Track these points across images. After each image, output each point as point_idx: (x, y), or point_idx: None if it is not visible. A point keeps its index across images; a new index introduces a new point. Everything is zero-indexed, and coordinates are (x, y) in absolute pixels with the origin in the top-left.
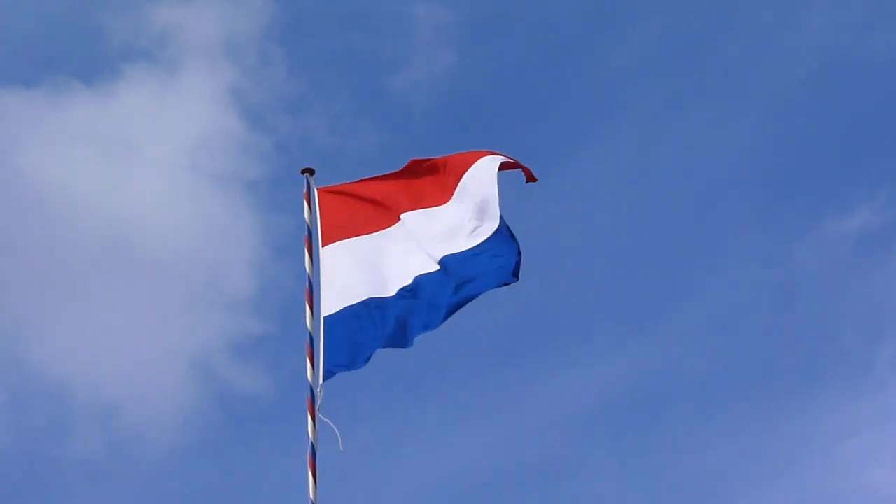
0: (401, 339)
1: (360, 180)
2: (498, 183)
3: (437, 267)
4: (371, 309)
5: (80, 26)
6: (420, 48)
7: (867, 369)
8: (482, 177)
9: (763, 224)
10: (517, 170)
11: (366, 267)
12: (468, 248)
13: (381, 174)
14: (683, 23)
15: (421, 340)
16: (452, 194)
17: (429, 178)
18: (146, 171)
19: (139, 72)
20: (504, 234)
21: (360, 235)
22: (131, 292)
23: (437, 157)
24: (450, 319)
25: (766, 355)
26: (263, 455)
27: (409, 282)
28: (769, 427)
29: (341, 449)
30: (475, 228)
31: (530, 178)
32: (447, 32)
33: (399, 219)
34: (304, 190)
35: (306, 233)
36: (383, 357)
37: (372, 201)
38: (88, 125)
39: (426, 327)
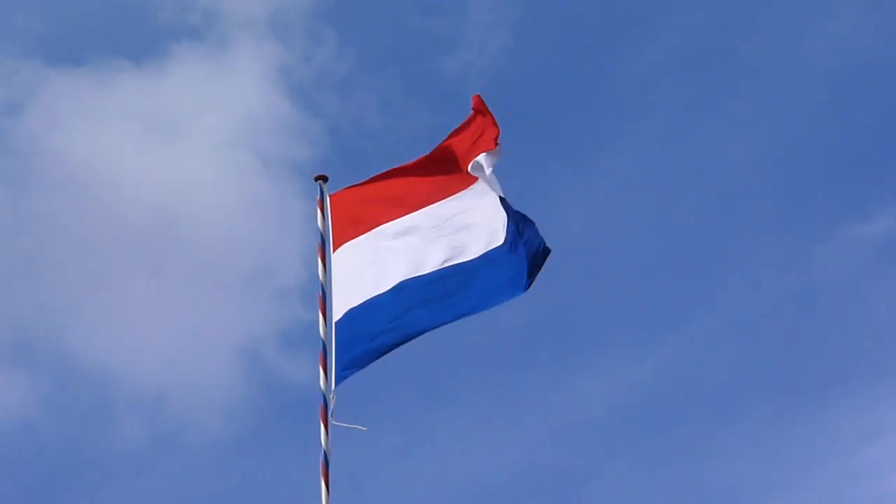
0: (405, 334)
1: (371, 178)
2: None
3: (446, 263)
4: (375, 307)
5: (127, 3)
6: (474, 28)
7: (888, 375)
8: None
9: (784, 228)
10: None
11: (370, 264)
12: (477, 255)
13: (394, 168)
14: (705, 26)
15: (438, 344)
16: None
17: (445, 167)
18: (193, 152)
19: (187, 50)
20: (513, 242)
21: (365, 232)
22: (176, 277)
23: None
24: (467, 322)
25: (787, 360)
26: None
27: (411, 275)
28: (789, 433)
29: (364, 429)
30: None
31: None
32: (502, 12)
33: (411, 209)
34: (318, 197)
35: (319, 241)
36: (400, 361)
37: (381, 196)
38: (135, 104)
39: (430, 322)
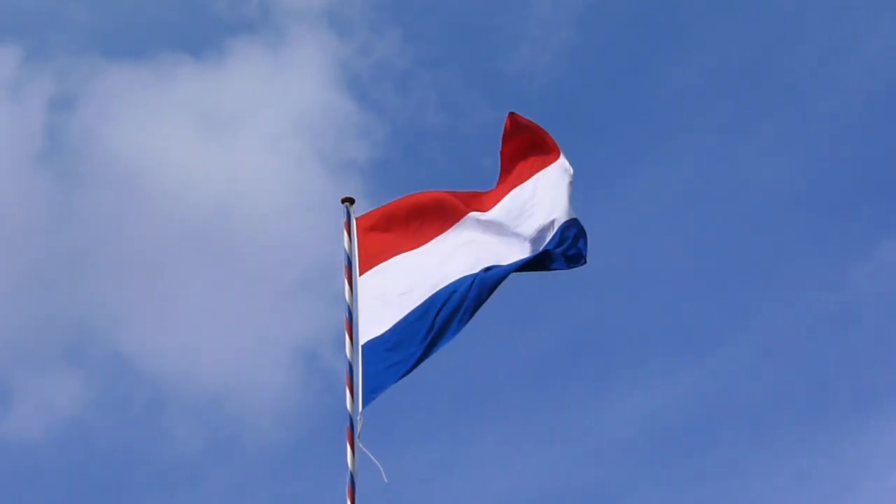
0: (437, 343)
1: (397, 200)
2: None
3: (476, 270)
4: (405, 327)
5: None
6: (537, 25)
7: None
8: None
9: (820, 248)
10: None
11: (398, 288)
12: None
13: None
14: (742, 44)
15: (471, 363)
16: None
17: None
18: (249, 148)
19: (245, 44)
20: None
21: (394, 257)
22: (232, 276)
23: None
24: (501, 341)
25: (822, 380)
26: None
27: (442, 285)
28: (824, 453)
29: (385, 480)
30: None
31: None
32: (566, 9)
33: (439, 233)
34: (344, 220)
35: (345, 262)
36: (432, 381)
37: (408, 220)
38: (193, 99)
39: (459, 324)
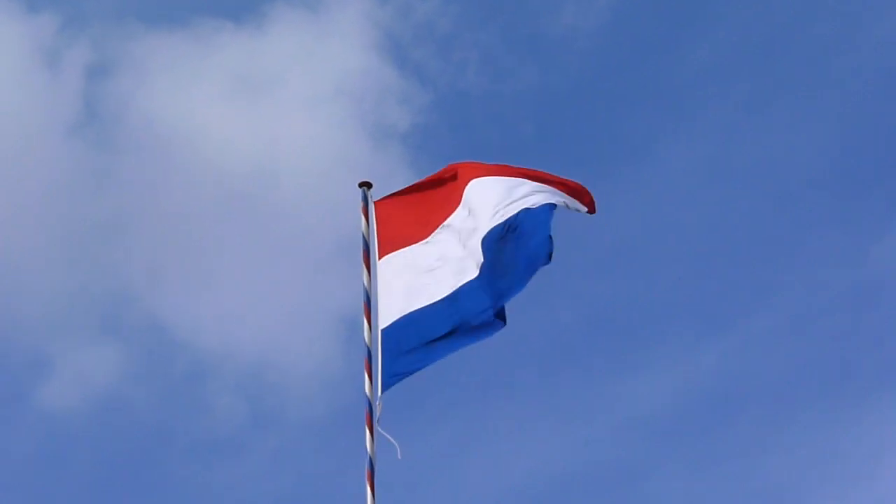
0: (463, 340)
1: (417, 183)
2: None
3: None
4: (428, 316)
5: None
6: None
7: None
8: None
9: (839, 225)
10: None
11: (421, 274)
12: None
13: (439, 171)
14: (761, 22)
15: (491, 340)
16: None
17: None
18: (289, 114)
19: (287, 7)
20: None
21: (415, 243)
22: (272, 243)
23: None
24: (520, 319)
25: (843, 357)
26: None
27: (462, 282)
28: (845, 430)
29: (399, 457)
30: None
31: (591, 209)
32: None
33: (455, 210)
34: (362, 203)
35: (363, 247)
36: (451, 360)
37: (428, 203)
38: (232, 65)
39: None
